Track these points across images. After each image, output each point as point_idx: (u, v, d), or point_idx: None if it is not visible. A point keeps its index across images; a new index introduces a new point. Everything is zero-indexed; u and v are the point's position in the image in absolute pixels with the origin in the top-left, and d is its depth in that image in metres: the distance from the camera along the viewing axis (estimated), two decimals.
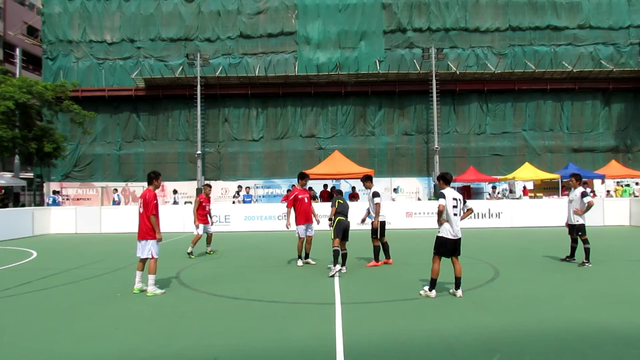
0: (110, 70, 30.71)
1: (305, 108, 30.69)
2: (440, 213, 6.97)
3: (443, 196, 7.01)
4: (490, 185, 26.97)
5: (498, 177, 27.36)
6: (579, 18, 30.57)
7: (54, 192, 26.07)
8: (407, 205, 20.24)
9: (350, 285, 8.02)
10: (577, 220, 9.93)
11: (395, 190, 27.37)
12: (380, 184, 29.03)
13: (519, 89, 30.16)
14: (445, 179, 7.24)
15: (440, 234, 7.06)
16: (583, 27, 30.63)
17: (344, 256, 9.10)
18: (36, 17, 37.62)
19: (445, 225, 7.00)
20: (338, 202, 9.41)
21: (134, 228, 7.83)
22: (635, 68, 30.04)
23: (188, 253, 11.76)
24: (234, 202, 22.06)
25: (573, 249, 10.15)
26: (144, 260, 7.72)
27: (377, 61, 30.02)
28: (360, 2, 30.35)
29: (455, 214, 7.00)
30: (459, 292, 7.05)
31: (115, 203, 23.61)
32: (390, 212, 18.88)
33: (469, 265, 10.05)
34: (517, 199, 23.79)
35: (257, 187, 29.14)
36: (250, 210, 19.16)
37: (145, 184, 7.94)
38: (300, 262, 10.27)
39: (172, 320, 6.11)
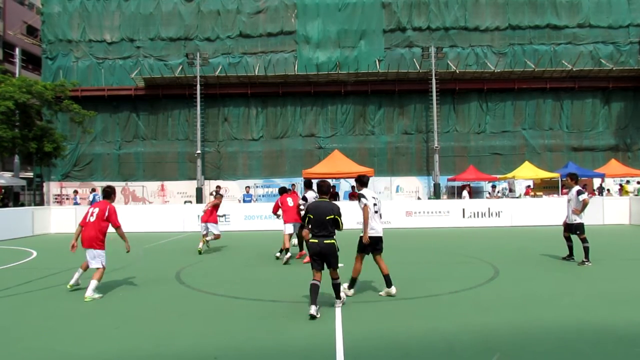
0: (109, 69, 30.71)
1: (305, 107, 30.70)
2: (366, 212, 6.88)
3: (364, 197, 6.98)
4: (490, 184, 26.97)
5: (498, 176, 27.37)
6: (578, 17, 30.57)
7: (93, 190, 25.69)
8: (406, 204, 20.23)
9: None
10: (574, 219, 9.92)
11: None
12: (379, 183, 29.10)
13: (518, 88, 30.17)
14: (361, 181, 7.32)
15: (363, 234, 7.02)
16: (583, 26, 30.63)
17: (335, 287, 6.39)
18: (36, 17, 37.60)
19: (369, 224, 6.94)
20: (308, 217, 6.32)
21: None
22: (635, 67, 30.05)
23: (204, 245, 12.32)
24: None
25: (570, 247, 10.16)
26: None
27: (377, 60, 30.01)
28: (360, 1, 30.35)
29: (376, 212, 7.07)
30: (393, 290, 7.09)
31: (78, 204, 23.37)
32: (390, 211, 18.94)
33: (468, 265, 10.07)
34: (517, 197, 23.78)
35: (256, 187, 29.16)
36: (250, 210, 19.17)
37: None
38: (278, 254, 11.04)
39: (172, 319, 6.11)
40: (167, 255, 12.24)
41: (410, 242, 14.18)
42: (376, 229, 7.01)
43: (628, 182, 26.70)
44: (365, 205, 6.86)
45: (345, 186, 28.38)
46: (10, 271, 10.17)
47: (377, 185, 28.94)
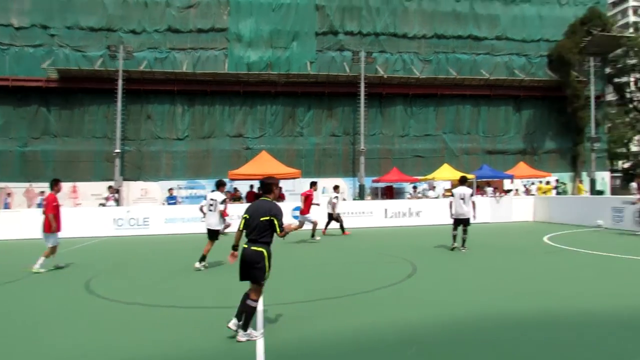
0: (16, 57, 28.05)
1: (234, 107, 30.15)
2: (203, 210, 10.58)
3: (205, 198, 10.89)
4: (412, 185, 28.05)
5: (419, 177, 28.49)
6: (496, 30, 32.55)
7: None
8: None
9: (272, 286, 8.00)
10: (463, 214, 12.14)
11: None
12: (306, 184, 29.16)
13: (441, 94, 31.58)
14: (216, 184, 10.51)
15: None
16: (500, 38, 32.67)
17: (246, 309, 5.24)
18: None
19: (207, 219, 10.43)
20: (244, 218, 5.40)
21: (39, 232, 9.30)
22: (543, 78, 32.58)
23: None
24: (103, 205, 21.13)
25: (454, 237, 12.20)
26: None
27: (308, 62, 30.16)
28: (293, 2, 30.30)
29: (210, 210, 10.38)
30: (197, 265, 9.95)
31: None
32: (314, 212, 19.13)
33: (389, 264, 10.43)
34: (436, 198, 24.92)
35: (180, 188, 28.01)
36: (171, 212, 18.52)
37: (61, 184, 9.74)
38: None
39: (78, 331, 5.76)
40: (77, 263, 11.55)
41: (335, 242, 14.42)
42: (210, 223, 10.07)
43: (543, 182, 28.62)
44: (202, 205, 10.64)
45: None
46: None
47: (304, 187, 28.98)
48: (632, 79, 43.38)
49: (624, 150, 56.05)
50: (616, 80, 42.42)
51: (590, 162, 32.24)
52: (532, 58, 33.20)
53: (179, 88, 29.05)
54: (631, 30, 47.41)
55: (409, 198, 25.17)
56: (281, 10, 30.21)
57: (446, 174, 26.00)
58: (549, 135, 33.62)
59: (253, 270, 5.14)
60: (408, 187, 28.88)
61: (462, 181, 12.68)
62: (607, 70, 38.28)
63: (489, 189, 25.12)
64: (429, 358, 4.59)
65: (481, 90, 32.01)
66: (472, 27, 32.31)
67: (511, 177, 27.37)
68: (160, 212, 18.52)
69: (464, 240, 12.03)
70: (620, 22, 72.79)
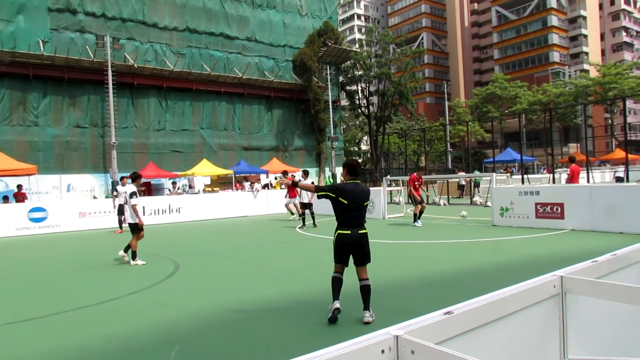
0: None
1: None
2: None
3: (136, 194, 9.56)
4: (171, 181, 27.30)
5: (178, 173, 27.90)
6: (246, 31, 34.26)
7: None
8: (80, 204, 18.27)
9: (5, 300, 6.67)
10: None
11: None
12: (46, 181, 25.36)
13: (196, 89, 31.55)
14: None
15: None
16: (250, 40, 34.52)
17: (366, 290, 5.17)
18: None
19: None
20: (340, 202, 5.18)
21: None
22: (290, 81, 35.91)
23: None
24: None
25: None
26: None
27: (41, 41, 25.93)
28: None
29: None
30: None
31: None
32: (60, 213, 16.84)
33: (149, 263, 9.90)
34: (196, 194, 24.88)
35: None
36: None
37: None
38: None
39: None
40: None
41: (80, 245, 12.88)
42: (127, 217, 9.93)
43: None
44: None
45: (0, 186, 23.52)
46: None
47: (43, 185, 25.09)
48: (359, 88, 51.86)
49: (356, 148, 67.13)
50: (348, 88, 50.18)
51: (331, 159, 37.20)
52: (280, 62, 36.21)
53: None
54: (357, 45, 56.47)
55: (168, 194, 24.37)
56: None
57: (206, 169, 26.14)
58: (297, 134, 37.39)
59: (365, 254, 5.23)
60: (167, 183, 27.91)
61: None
62: (341, 78, 44.80)
63: (247, 184, 26.36)
64: (191, 356, 4.54)
65: (235, 88, 33.27)
66: (224, 26, 33.19)
67: (266, 172, 29.33)
68: None
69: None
70: (349, 38, 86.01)
